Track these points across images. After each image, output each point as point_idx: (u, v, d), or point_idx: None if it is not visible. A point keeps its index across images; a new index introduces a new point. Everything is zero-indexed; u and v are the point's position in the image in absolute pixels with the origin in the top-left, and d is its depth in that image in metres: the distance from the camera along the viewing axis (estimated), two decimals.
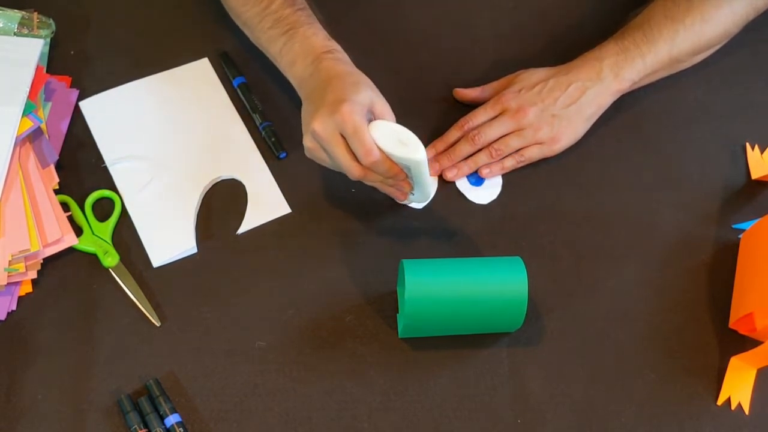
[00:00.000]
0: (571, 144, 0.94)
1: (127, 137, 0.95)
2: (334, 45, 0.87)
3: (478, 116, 0.94)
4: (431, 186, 0.86)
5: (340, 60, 0.86)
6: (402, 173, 0.82)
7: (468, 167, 0.93)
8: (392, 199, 0.92)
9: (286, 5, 0.89)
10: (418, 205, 0.91)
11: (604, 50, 0.95)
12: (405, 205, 0.92)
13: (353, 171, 0.81)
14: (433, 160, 0.93)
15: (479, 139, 0.92)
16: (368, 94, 0.81)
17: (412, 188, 0.85)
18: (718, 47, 0.98)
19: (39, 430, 0.79)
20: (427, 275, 0.80)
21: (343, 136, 0.79)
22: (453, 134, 0.95)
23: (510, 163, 0.93)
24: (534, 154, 0.93)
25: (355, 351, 0.84)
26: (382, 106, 0.82)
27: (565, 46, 0.99)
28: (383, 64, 0.97)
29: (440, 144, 0.95)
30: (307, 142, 0.83)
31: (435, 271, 0.81)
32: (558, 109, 0.92)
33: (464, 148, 0.93)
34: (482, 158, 0.93)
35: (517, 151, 0.93)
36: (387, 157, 0.80)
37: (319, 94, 0.82)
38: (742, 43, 1.00)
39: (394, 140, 0.79)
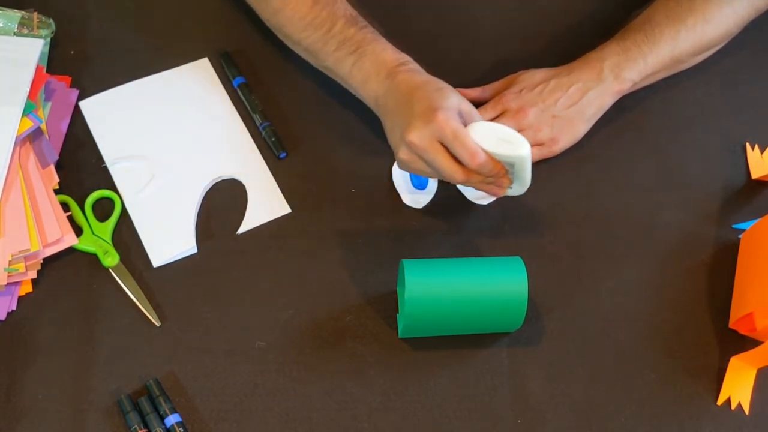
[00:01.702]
0: (570, 145, 0.94)
1: (127, 137, 0.95)
2: (405, 57, 0.87)
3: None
4: (531, 177, 0.85)
5: (415, 71, 0.86)
6: (504, 170, 0.82)
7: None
8: (392, 200, 0.92)
9: (349, 25, 0.89)
10: (515, 193, 0.88)
11: (605, 51, 0.94)
12: (405, 205, 0.92)
13: (457, 176, 0.81)
14: None
15: None
16: (455, 99, 0.81)
17: (511, 182, 0.85)
18: (719, 47, 0.98)
19: (39, 430, 0.79)
20: (427, 275, 0.80)
21: (442, 144, 0.80)
22: None
23: None
24: (533, 157, 0.92)
25: (355, 351, 0.84)
26: (468, 107, 0.83)
27: (567, 47, 0.99)
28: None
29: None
30: (403, 155, 0.82)
31: (435, 271, 0.81)
32: (559, 110, 0.92)
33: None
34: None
35: None
36: (491, 156, 0.80)
37: (405, 107, 0.82)
38: (742, 43, 1.00)
39: (495, 139, 0.80)
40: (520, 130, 0.92)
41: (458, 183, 0.83)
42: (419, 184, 0.93)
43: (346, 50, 0.88)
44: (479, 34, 1.04)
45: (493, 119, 0.93)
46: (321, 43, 0.90)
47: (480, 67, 1.01)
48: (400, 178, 0.93)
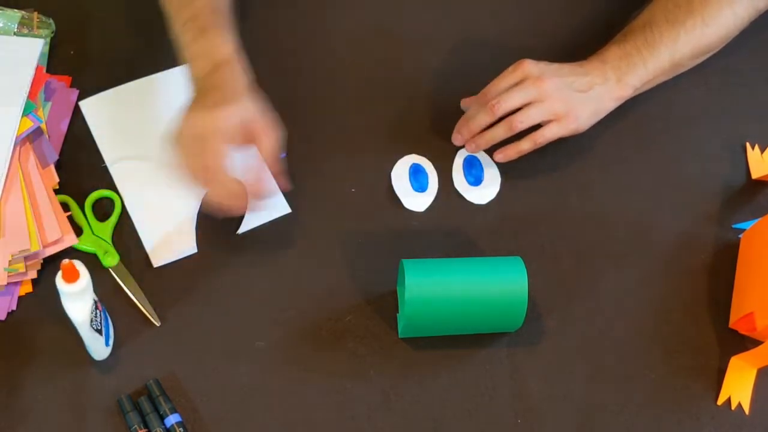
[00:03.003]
0: (582, 129, 0.92)
1: (127, 137, 0.95)
2: (237, 57, 0.87)
3: (499, 83, 0.91)
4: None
5: (236, 70, 0.85)
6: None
7: (485, 140, 0.91)
8: (392, 200, 0.92)
9: (208, 6, 0.88)
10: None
11: (607, 54, 0.93)
12: (405, 205, 0.92)
13: (198, 181, 0.82)
14: (456, 131, 0.94)
15: (498, 108, 0.89)
16: (249, 107, 0.82)
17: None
18: (717, 50, 0.98)
19: (39, 430, 0.79)
20: (427, 275, 0.80)
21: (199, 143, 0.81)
22: (475, 109, 0.92)
23: (527, 146, 0.90)
24: (552, 132, 0.90)
25: (355, 351, 0.84)
26: (264, 125, 0.83)
27: (569, 55, 0.98)
28: (382, 68, 0.97)
29: (462, 126, 0.93)
30: (176, 128, 0.83)
31: (435, 271, 0.81)
32: (574, 90, 0.90)
33: (482, 119, 0.91)
34: (500, 132, 0.90)
35: (535, 130, 0.90)
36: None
37: (201, 96, 0.83)
38: (742, 43, 1.00)
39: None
40: (540, 101, 0.89)
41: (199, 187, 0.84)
42: (419, 188, 0.93)
43: (192, 26, 0.88)
44: (480, 36, 1.04)
45: (512, 86, 0.90)
46: (175, 9, 0.90)
47: (481, 72, 1.00)
48: (399, 182, 0.93)
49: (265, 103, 0.84)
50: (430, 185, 0.93)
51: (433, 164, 0.95)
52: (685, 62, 0.95)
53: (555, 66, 0.91)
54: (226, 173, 0.82)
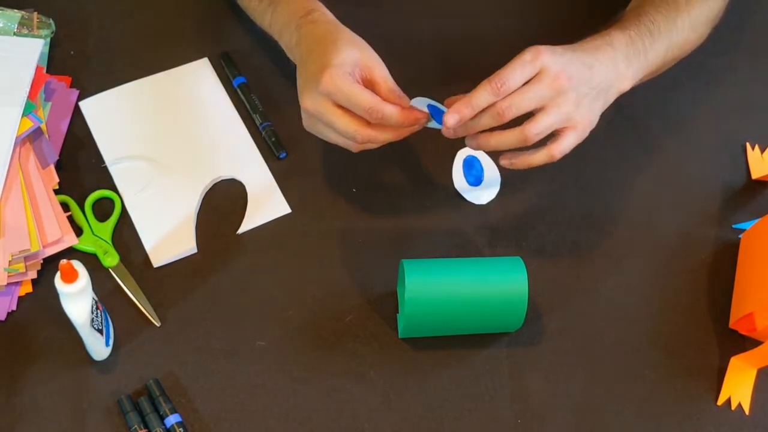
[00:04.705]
0: (580, 140, 0.82)
1: (127, 137, 0.95)
2: (314, 4, 0.84)
3: (513, 76, 0.77)
4: None
5: (318, 21, 0.82)
6: (425, 116, 0.79)
7: (490, 145, 0.80)
8: (392, 199, 0.92)
9: None
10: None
11: (613, 38, 0.83)
12: (405, 205, 0.92)
13: (358, 134, 0.77)
14: (453, 111, 0.78)
15: (509, 115, 0.77)
16: (350, 52, 0.78)
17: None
18: (689, 52, 0.93)
19: (39, 430, 0.79)
20: (427, 275, 0.80)
21: (338, 104, 0.77)
22: (482, 97, 0.77)
23: (540, 160, 0.80)
24: (570, 143, 0.80)
25: (355, 351, 0.84)
26: (370, 60, 0.79)
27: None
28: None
29: (465, 108, 0.77)
30: (304, 120, 0.81)
31: (435, 271, 0.81)
32: (590, 88, 0.80)
33: (487, 122, 0.78)
34: (511, 141, 0.79)
35: (552, 139, 0.80)
36: (405, 105, 0.77)
37: (304, 65, 0.80)
38: (742, 43, 1.00)
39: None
40: (557, 105, 0.78)
41: (363, 141, 0.78)
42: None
43: (265, 2, 0.86)
44: (482, 41, 1.04)
45: (528, 81, 0.78)
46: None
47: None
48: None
49: (360, 38, 0.81)
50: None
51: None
52: (668, 62, 0.90)
53: (571, 56, 0.79)
54: (388, 104, 0.76)
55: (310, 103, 0.78)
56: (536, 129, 0.78)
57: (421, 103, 0.82)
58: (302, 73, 0.80)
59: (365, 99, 0.76)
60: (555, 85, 0.77)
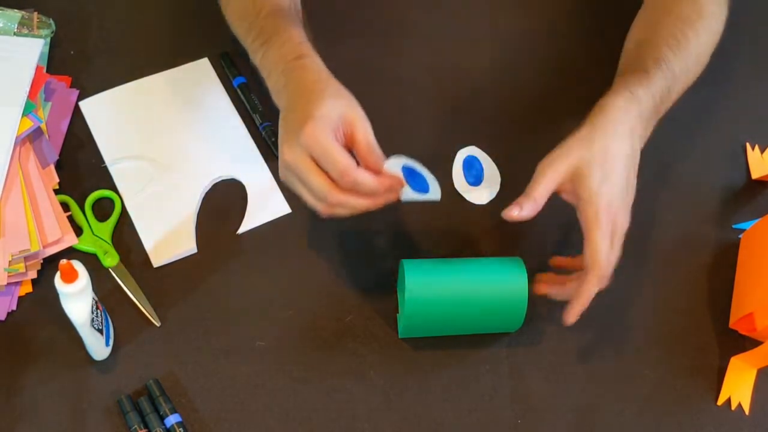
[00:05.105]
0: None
1: (127, 137, 0.95)
2: (305, 49, 0.80)
3: (603, 247, 0.77)
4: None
5: (307, 67, 0.78)
6: (399, 183, 0.75)
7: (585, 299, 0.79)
8: None
9: (271, 15, 0.83)
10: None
11: (629, 115, 0.80)
12: (405, 205, 0.92)
13: (330, 196, 0.72)
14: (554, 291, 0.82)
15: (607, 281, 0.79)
16: (335, 105, 0.74)
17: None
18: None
19: (39, 430, 0.79)
20: (427, 275, 0.80)
21: (314, 159, 0.73)
22: (593, 291, 0.78)
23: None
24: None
25: (355, 351, 0.84)
26: (354, 115, 0.75)
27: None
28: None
29: (579, 305, 0.78)
30: (281, 171, 0.76)
31: (435, 271, 0.81)
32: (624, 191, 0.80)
33: (594, 290, 0.78)
34: (594, 291, 0.79)
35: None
36: (381, 172, 0.74)
37: (288, 113, 0.76)
38: (742, 43, 1.00)
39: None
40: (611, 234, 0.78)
41: (334, 205, 0.73)
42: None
43: (259, 41, 0.83)
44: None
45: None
46: (245, 35, 0.85)
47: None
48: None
49: (347, 91, 0.78)
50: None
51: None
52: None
53: (624, 187, 0.79)
54: (362, 170, 0.72)
55: (289, 154, 0.73)
56: (610, 271, 0.79)
57: (396, 164, 0.77)
58: (285, 121, 0.76)
59: (340, 160, 0.71)
60: (623, 232, 0.79)
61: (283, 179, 0.78)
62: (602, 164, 0.77)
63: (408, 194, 0.79)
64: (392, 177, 0.76)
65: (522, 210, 0.77)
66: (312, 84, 0.77)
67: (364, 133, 0.75)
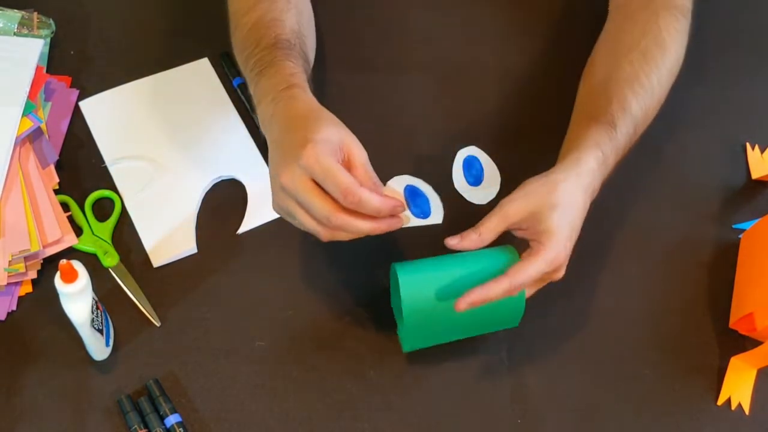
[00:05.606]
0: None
1: (127, 137, 0.95)
2: (296, 80, 0.80)
3: (530, 278, 0.77)
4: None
5: (297, 97, 0.78)
6: (401, 205, 0.74)
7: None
8: None
9: (269, 47, 0.83)
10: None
11: (595, 175, 0.82)
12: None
13: (332, 218, 0.72)
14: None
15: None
16: (333, 131, 0.74)
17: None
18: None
19: (39, 430, 0.79)
20: (423, 287, 0.77)
21: (315, 181, 0.72)
22: (497, 293, 0.75)
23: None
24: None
25: (355, 351, 0.84)
26: (351, 142, 0.75)
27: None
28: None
29: (477, 296, 0.75)
30: (277, 198, 0.75)
31: (430, 281, 0.77)
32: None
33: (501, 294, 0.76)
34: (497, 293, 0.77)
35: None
36: (383, 193, 0.73)
37: (281, 140, 0.75)
38: (742, 43, 1.00)
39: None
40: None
41: (336, 227, 0.73)
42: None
43: (255, 71, 0.82)
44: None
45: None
46: (243, 64, 0.86)
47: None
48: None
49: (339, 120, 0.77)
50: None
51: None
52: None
53: (576, 230, 0.80)
54: (365, 189, 0.72)
55: (288, 178, 0.72)
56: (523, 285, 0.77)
57: (399, 185, 0.77)
58: (279, 146, 0.75)
59: (343, 179, 0.71)
60: (563, 271, 0.79)
61: (277, 208, 0.77)
62: (562, 211, 0.78)
63: (413, 218, 0.80)
64: (394, 198, 0.75)
65: (462, 241, 0.77)
66: (306, 112, 0.77)
67: (361, 158, 0.75)
